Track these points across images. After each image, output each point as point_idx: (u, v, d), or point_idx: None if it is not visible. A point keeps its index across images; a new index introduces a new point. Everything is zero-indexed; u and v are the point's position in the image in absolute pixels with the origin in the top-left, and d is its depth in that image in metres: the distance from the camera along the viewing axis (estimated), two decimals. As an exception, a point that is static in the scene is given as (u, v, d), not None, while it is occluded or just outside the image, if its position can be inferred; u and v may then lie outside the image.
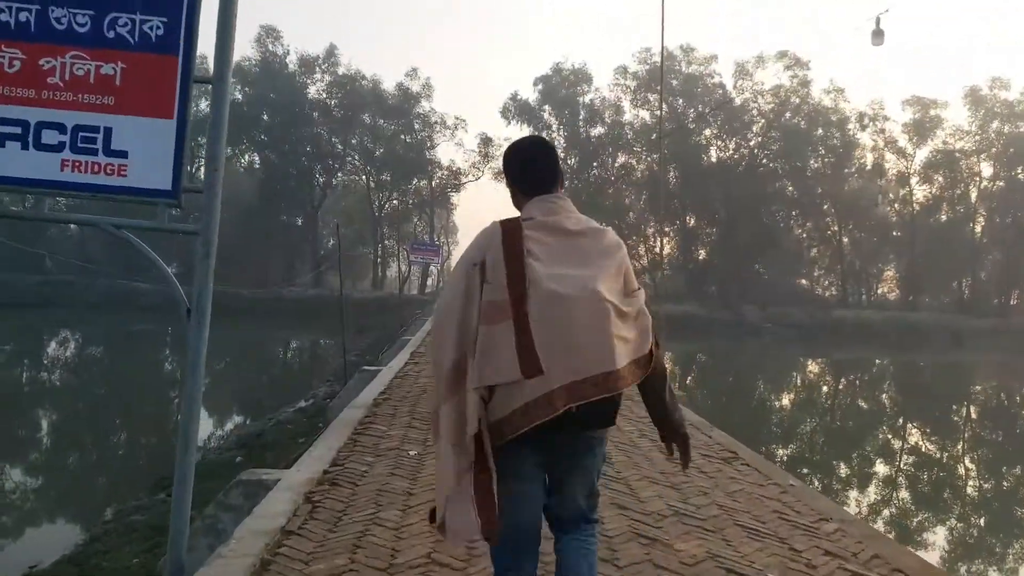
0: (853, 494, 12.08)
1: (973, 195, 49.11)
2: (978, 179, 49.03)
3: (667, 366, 2.33)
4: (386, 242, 52.50)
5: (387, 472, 4.78)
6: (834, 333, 38.82)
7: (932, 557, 8.93)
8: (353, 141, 50.02)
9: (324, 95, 48.60)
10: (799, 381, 28.16)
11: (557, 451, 2.16)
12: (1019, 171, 47.82)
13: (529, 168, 2.36)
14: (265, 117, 48.07)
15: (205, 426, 15.16)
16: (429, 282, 53.24)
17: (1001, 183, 48.28)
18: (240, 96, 48.17)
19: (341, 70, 48.13)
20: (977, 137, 47.88)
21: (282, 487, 4.33)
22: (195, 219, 3.51)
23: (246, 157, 52.39)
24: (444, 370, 2.10)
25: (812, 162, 47.13)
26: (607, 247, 2.24)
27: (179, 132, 3.39)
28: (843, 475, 13.71)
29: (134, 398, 18.22)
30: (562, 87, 47.46)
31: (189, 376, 3.46)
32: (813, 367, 32.07)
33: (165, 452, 12.52)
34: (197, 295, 3.51)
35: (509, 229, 2.17)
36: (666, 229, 49.04)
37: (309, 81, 48.35)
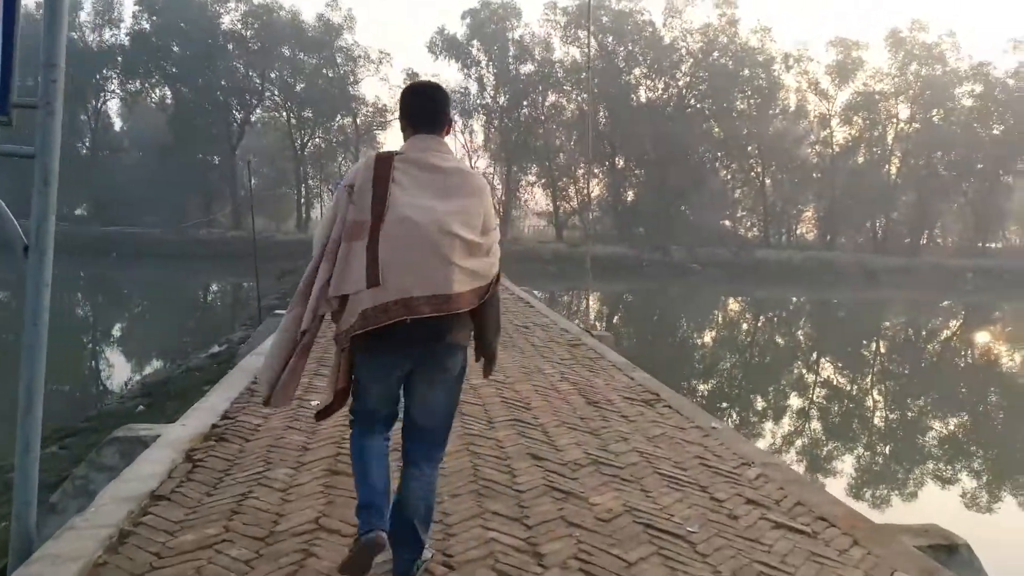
0: (769, 426, 12.54)
1: (890, 137, 50.48)
2: (895, 121, 50.33)
3: (499, 294, 2.63)
4: (309, 182, 50.71)
5: (283, 426, 4.38)
6: (757, 273, 39.73)
7: (839, 484, 9.33)
8: (272, 75, 47.62)
9: (239, 26, 45.92)
10: (721, 319, 28.76)
11: (409, 360, 2.47)
12: (934, 113, 49.28)
13: (417, 106, 2.63)
14: (175, 48, 45.19)
15: (117, 373, 14.43)
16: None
17: (917, 125, 49.71)
18: (147, 25, 45.19)
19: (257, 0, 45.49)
20: (896, 79, 48.96)
21: (161, 444, 3.90)
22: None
23: (157, 92, 49.47)
24: (309, 280, 2.47)
25: (738, 103, 47.43)
26: (471, 188, 2.52)
27: (5, 37, 2.84)
28: (760, 409, 14.14)
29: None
30: (491, 22, 46.10)
31: (29, 325, 2.96)
32: (735, 306, 32.82)
33: (70, 400, 11.83)
34: (36, 230, 2.98)
35: (382, 159, 2.48)
36: (595, 170, 48.92)
37: (223, 10, 45.58)
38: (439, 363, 2.51)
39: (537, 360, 6.83)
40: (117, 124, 55.46)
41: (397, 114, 2.73)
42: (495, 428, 4.44)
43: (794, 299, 35.23)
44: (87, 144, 48.69)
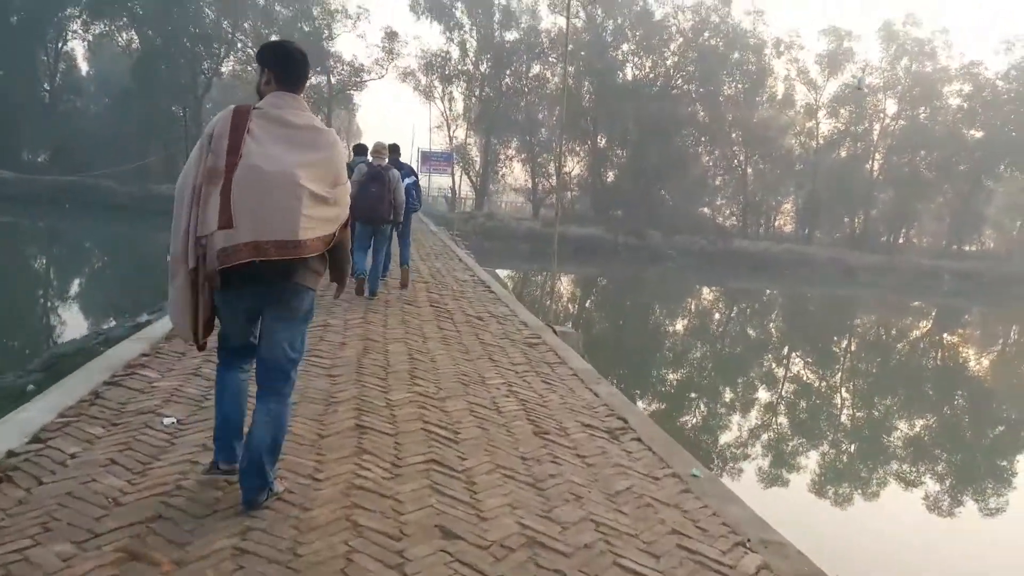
0: (736, 419, 12.39)
1: (875, 133, 49.69)
2: (882, 116, 49.54)
3: (348, 238, 2.96)
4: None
5: (107, 457, 3.17)
6: (733, 263, 38.87)
7: (803, 479, 9.52)
8: (246, 25, 45.42)
9: (211, -31, 43.57)
10: (694, 308, 27.83)
11: (260, 298, 2.77)
12: (921, 111, 48.54)
13: (290, 66, 2.84)
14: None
15: (31, 341, 13.01)
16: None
17: (903, 122, 48.97)
18: (115, -36, 42.64)
19: (231, -57, 43.13)
20: (887, 73, 48.09)
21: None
22: None
23: (124, 35, 46.92)
24: (181, 225, 2.68)
25: (726, 87, 46.24)
26: (322, 143, 2.77)
27: None
28: (728, 400, 13.47)
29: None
30: (476, -16, 44.26)
31: None
32: (710, 295, 31.93)
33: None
34: None
35: (239, 111, 2.71)
36: (575, 148, 47.62)
37: (194, -49, 43.11)
38: (285, 302, 2.77)
39: (483, 364, 5.66)
40: (84, 68, 53.02)
41: (259, 59, 2.89)
42: (400, 477, 3.26)
43: (768, 291, 34.43)
44: (46, 87, 46.17)
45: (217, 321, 2.86)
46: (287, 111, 2.73)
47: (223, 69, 46.65)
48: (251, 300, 2.76)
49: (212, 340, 2.91)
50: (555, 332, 7.73)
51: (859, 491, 9.47)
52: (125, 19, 44.83)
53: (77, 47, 50.90)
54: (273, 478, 2.86)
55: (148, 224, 33.16)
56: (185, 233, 2.66)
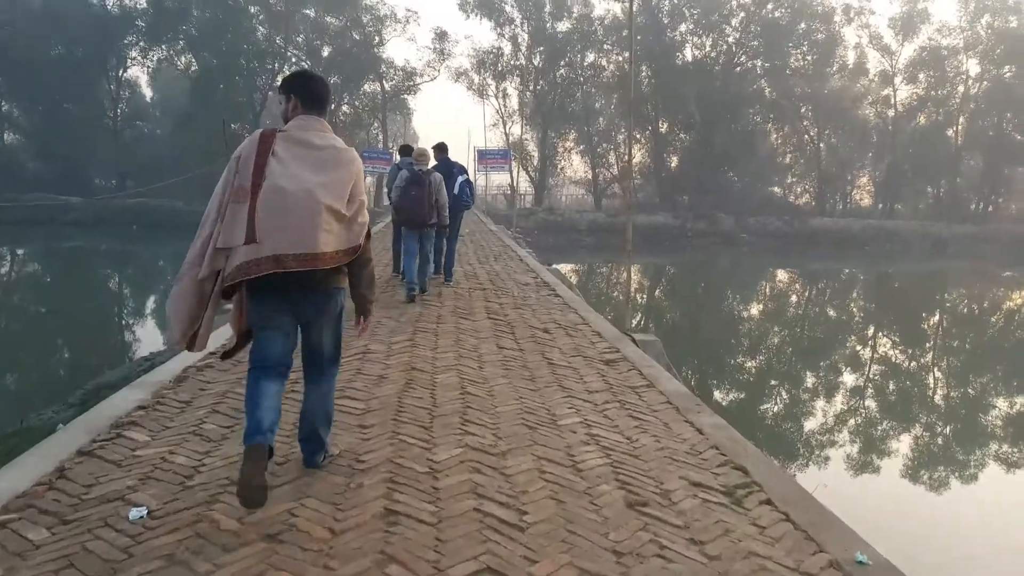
0: (820, 404, 11.43)
1: (957, 96, 46.41)
2: (964, 78, 46.25)
3: (372, 257, 3.19)
4: (340, 152, 48.45)
5: (57, 556, 2.25)
6: (811, 242, 36.75)
7: (895, 464, 8.63)
8: (298, 39, 45.47)
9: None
10: (771, 292, 26.09)
11: (295, 306, 3.02)
12: (1007, 70, 45.10)
13: (314, 90, 3.11)
14: (196, 12, 43.29)
15: (84, 363, 12.63)
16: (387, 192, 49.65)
17: (987, 83, 45.60)
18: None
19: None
20: (966, 33, 44.88)
21: None
22: None
23: (182, 59, 47.53)
24: (202, 237, 2.93)
25: (793, 60, 43.87)
26: (342, 163, 3.01)
27: None
28: (829, 397, 12.14)
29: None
30: (525, -24, 43.16)
31: None
32: (785, 278, 30.02)
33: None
34: None
35: (265, 135, 2.97)
36: (637, 135, 46.08)
37: (242, -32, 43.32)
38: (315, 306, 3.08)
39: (553, 395, 4.61)
40: (148, 94, 54.15)
41: (284, 89, 3.16)
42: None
43: (848, 270, 32.21)
44: (110, 115, 47.17)
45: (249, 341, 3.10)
46: (311, 133, 3.01)
47: (276, 83, 46.86)
48: (279, 307, 2.97)
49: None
50: (635, 342, 6.62)
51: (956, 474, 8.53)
52: (182, 42, 45.38)
53: (140, 74, 51.86)
54: (329, 444, 3.33)
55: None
56: (203, 244, 2.91)
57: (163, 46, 45.73)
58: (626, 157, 45.63)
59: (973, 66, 46.11)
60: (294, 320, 3.04)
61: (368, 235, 3.08)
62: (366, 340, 5.84)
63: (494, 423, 3.97)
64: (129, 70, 48.60)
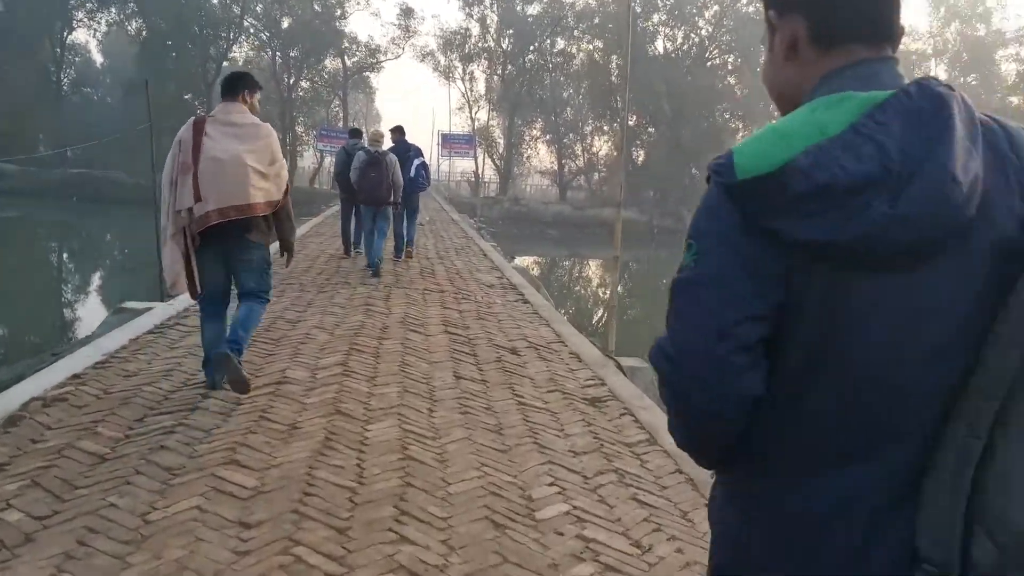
0: None
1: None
2: (933, 84, 46.17)
3: (291, 209, 4.17)
4: (297, 129, 46.50)
5: None
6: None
7: None
8: (257, 8, 43.24)
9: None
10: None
11: (228, 252, 3.93)
12: (972, 78, 45.15)
13: (225, 83, 4.06)
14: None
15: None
16: (344, 174, 47.62)
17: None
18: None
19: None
20: (935, 38, 44.80)
21: None
22: None
23: (134, 23, 44.83)
24: (166, 205, 3.85)
25: (762, 57, 43.17)
26: (259, 135, 3.92)
27: None
28: None
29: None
30: (496, -45, 41.67)
31: None
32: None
33: None
34: None
35: (198, 121, 3.90)
36: (604, 127, 45.07)
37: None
38: (243, 254, 3.95)
39: (527, 459, 3.39)
40: (99, 60, 51.17)
41: None
42: None
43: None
44: (54, 80, 44.36)
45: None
46: (233, 115, 3.93)
47: (235, 54, 44.59)
48: (217, 252, 3.88)
49: None
50: (621, 369, 5.45)
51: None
52: (133, 5, 42.81)
53: (90, 39, 49.03)
54: (244, 347, 4.05)
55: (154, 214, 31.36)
56: (167, 210, 3.83)
57: (112, 8, 43.12)
58: (606, 150, 44.66)
59: (941, 72, 46.09)
60: (225, 265, 3.94)
61: (287, 192, 4.05)
62: (285, 363, 4.58)
63: (445, 518, 2.74)
64: (76, 33, 45.86)
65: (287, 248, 4.18)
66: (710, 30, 42.99)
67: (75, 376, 4.07)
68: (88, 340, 6.58)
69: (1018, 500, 0.82)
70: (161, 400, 3.86)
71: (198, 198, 3.65)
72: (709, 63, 43.60)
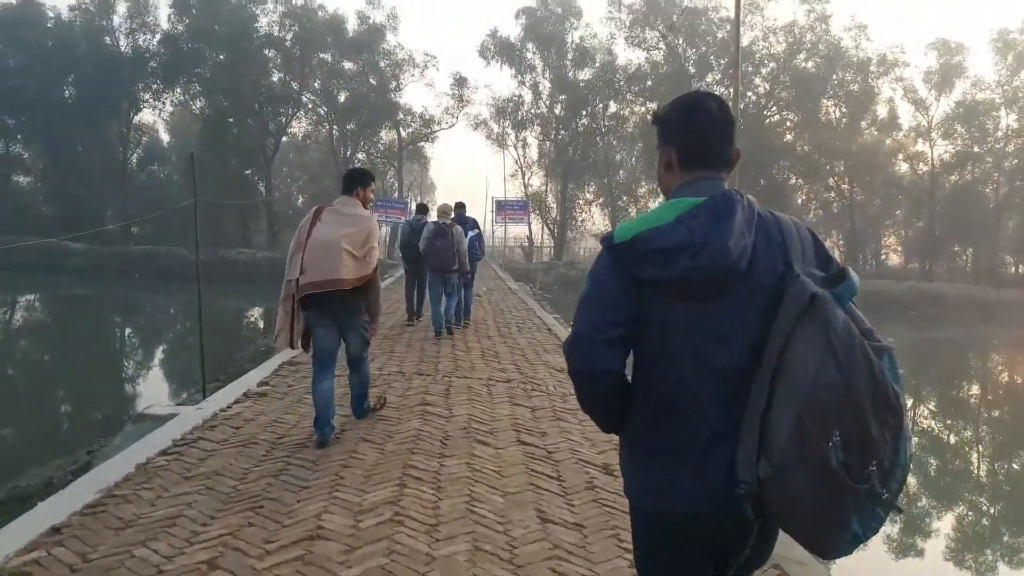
0: None
1: (996, 153, 44.25)
2: (1004, 134, 44.15)
3: (379, 283, 5.02)
4: (356, 200, 46.70)
5: None
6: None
7: (938, 545, 8.20)
8: (315, 84, 44.12)
9: (276, 28, 42.67)
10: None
11: (335, 316, 4.74)
12: (1047, 126, 42.95)
13: (344, 180, 5.08)
14: (209, 54, 42.15)
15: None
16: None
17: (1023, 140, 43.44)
18: (181, 28, 42.19)
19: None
20: (1004, 87, 42.91)
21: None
22: None
23: (198, 102, 45.93)
24: (286, 278, 4.67)
25: (824, 113, 42.06)
26: (358, 224, 4.76)
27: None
28: None
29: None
30: (548, 22, 41.92)
31: None
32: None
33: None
34: None
35: (318, 209, 4.85)
36: (658, 188, 44.12)
37: (259, 12, 42.33)
38: (346, 318, 4.78)
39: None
40: (166, 139, 52.56)
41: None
42: None
43: (899, 335, 29.62)
44: (122, 159, 45.52)
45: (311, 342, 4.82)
46: (344, 206, 4.83)
47: (294, 128, 45.39)
48: (322, 315, 4.68)
49: None
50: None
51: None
52: (196, 86, 43.98)
53: (156, 118, 50.50)
54: (367, 405, 5.31)
55: (217, 290, 31.08)
56: (285, 280, 4.66)
57: (177, 89, 44.36)
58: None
59: (1012, 122, 44.09)
60: (335, 325, 4.78)
61: (376, 269, 4.89)
62: (322, 503, 3.60)
63: None
64: (143, 113, 47.36)
65: (372, 313, 4.98)
66: (767, 87, 42.13)
67: (54, 530, 3.17)
68: (101, 451, 5.73)
69: (779, 435, 1.40)
70: (154, 575, 2.91)
71: (302, 271, 4.52)
72: (767, 121, 42.64)
